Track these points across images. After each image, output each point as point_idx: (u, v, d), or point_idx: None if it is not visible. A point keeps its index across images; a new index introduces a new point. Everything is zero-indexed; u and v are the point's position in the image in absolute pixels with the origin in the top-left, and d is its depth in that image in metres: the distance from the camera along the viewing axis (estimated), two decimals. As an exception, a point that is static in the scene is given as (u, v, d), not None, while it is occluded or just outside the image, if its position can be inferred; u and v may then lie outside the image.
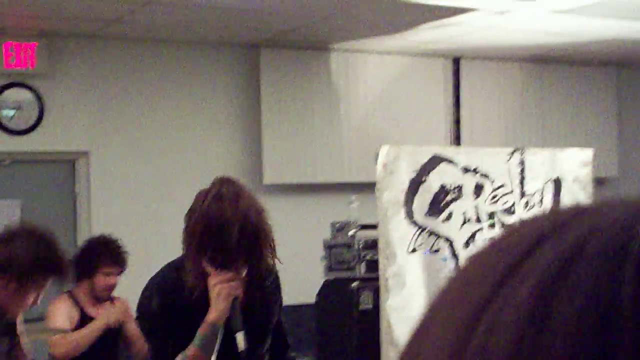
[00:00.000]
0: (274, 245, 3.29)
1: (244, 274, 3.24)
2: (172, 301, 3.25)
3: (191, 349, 3.18)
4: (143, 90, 8.09)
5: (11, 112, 7.70)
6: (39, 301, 3.62)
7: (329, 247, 7.05)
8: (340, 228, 6.98)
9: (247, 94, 8.43)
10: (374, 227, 6.09)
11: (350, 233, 6.82)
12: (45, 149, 7.80)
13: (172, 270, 3.35)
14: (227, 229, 3.07)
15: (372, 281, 6.30)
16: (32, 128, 7.75)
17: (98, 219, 7.67)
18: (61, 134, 7.82)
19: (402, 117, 8.85)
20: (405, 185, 5.60)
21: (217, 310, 3.16)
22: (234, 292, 3.17)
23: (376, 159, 5.65)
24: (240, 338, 3.13)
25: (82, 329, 5.18)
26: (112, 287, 5.35)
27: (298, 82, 8.47)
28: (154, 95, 8.12)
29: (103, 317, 5.18)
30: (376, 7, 7.19)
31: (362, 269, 6.72)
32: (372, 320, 5.98)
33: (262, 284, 3.43)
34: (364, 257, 6.72)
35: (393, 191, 5.58)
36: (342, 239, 6.92)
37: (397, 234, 5.57)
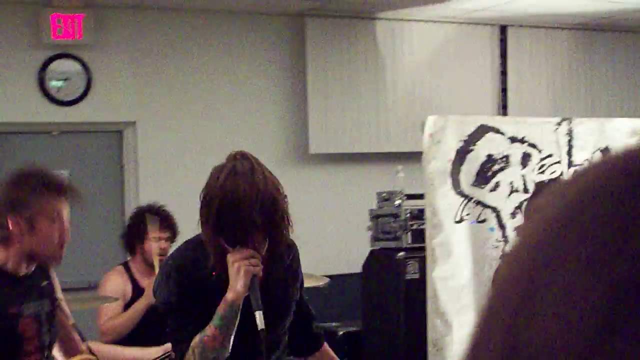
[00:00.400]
0: (290, 220, 3.20)
1: (263, 251, 3.15)
2: (191, 280, 3.18)
3: (210, 329, 3.09)
4: (189, 60, 8.11)
5: (59, 83, 7.75)
6: (67, 236, 3.56)
7: (375, 217, 7.05)
8: (386, 198, 6.98)
9: (293, 63, 8.42)
10: (420, 196, 6.09)
11: (397, 203, 6.82)
12: (92, 119, 7.85)
13: (190, 249, 3.29)
14: (243, 204, 3.00)
15: (418, 251, 6.31)
16: (79, 99, 7.80)
17: (145, 188, 7.73)
18: (108, 104, 7.87)
19: (448, 87, 8.80)
20: (452, 155, 5.59)
21: (236, 289, 3.06)
22: (253, 269, 3.06)
23: (422, 128, 5.63)
24: (259, 317, 3.01)
25: (125, 312, 5.19)
26: (164, 253, 5.36)
27: (344, 52, 8.45)
28: (199, 66, 8.14)
29: (147, 296, 5.17)
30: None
31: (408, 238, 6.72)
32: (418, 290, 5.99)
33: (281, 261, 3.38)
34: (410, 227, 6.72)
35: (440, 161, 5.57)
36: (388, 209, 6.92)
37: (444, 203, 5.56)
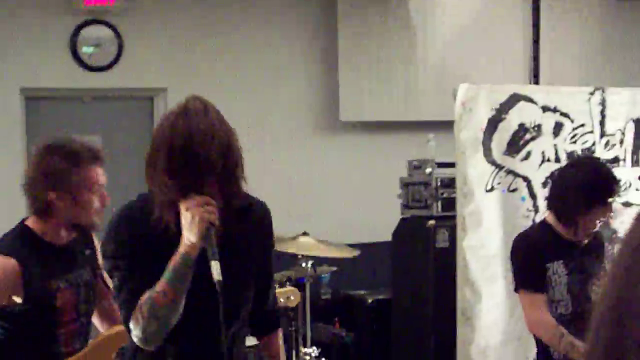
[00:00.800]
0: (244, 171, 2.95)
1: (219, 203, 2.84)
2: (140, 232, 2.86)
3: (160, 284, 2.78)
4: (220, 26, 8.10)
5: (90, 49, 7.77)
6: (107, 202, 3.58)
7: (405, 184, 7.04)
8: (417, 166, 6.97)
9: (325, 31, 8.39)
10: (451, 165, 6.07)
11: (427, 171, 6.80)
12: (124, 85, 7.87)
13: (141, 200, 2.96)
14: (198, 142, 2.75)
15: (449, 219, 6.30)
16: (111, 65, 7.82)
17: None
18: (140, 70, 7.89)
19: (480, 55, 8.74)
20: (483, 123, 5.56)
21: (189, 239, 2.76)
22: (207, 217, 2.75)
23: (454, 97, 5.61)
24: (215, 267, 2.72)
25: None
26: None
27: (375, 19, 8.41)
28: (231, 32, 8.13)
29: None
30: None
31: (438, 207, 6.71)
32: (448, 258, 5.99)
33: (243, 220, 3.02)
34: (440, 195, 6.71)
35: (471, 129, 5.55)
36: (419, 177, 6.91)
37: (475, 172, 5.55)
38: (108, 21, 7.78)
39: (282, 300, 4.73)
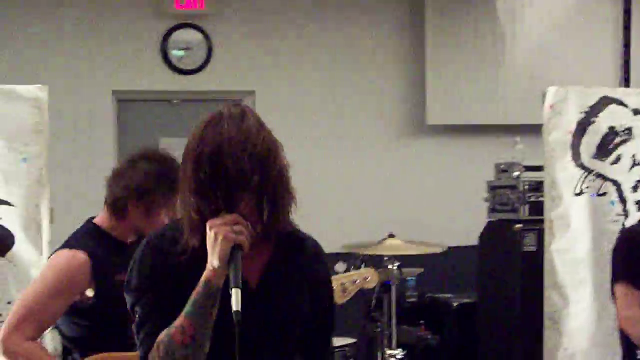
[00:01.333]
0: (293, 191, 2.48)
1: (256, 227, 2.42)
2: (166, 263, 2.44)
3: (180, 319, 2.34)
4: (308, 30, 8.15)
5: (181, 53, 7.90)
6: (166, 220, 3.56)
7: (492, 188, 7.01)
8: (504, 169, 6.93)
9: (412, 34, 8.39)
10: (539, 168, 6.02)
11: (515, 174, 6.76)
12: (213, 88, 7.97)
13: (173, 227, 2.53)
14: (227, 150, 2.32)
15: (536, 223, 6.25)
16: (200, 68, 7.94)
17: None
18: (228, 73, 7.98)
19: (568, 58, 8.64)
20: (573, 126, 5.51)
21: (212, 263, 2.32)
22: (233, 237, 2.30)
23: (543, 100, 5.56)
24: (235, 296, 2.24)
25: None
26: None
27: (463, 23, 8.37)
28: (318, 35, 8.18)
29: None
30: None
31: (526, 210, 6.66)
32: (535, 262, 5.94)
33: (288, 249, 2.58)
34: (528, 199, 6.66)
35: (560, 132, 5.50)
36: (506, 181, 6.86)
37: (564, 176, 5.50)
38: (198, 25, 7.89)
39: (359, 281, 4.73)
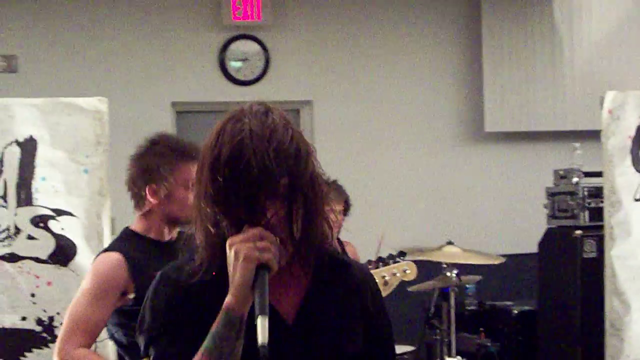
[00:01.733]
0: (332, 209, 2.07)
1: (287, 245, 2.00)
2: (182, 295, 2.05)
3: (197, 356, 1.95)
4: (364, 40, 8.18)
5: (238, 64, 7.97)
6: None
7: (552, 194, 6.98)
8: (563, 175, 6.90)
9: (469, 41, 8.38)
10: (598, 174, 5.98)
11: (574, 180, 6.72)
12: (270, 98, 7.91)
13: (191, 256, 2.11)
14: (249, 148, 1.91)
15: (596, 229, 6.21)
16: (258, 78, 8.00)
17: (321, 165, 7.83)
18: (286, 83, 8.03)
19: (628, 63, 8.56)
20: (632, 131, 5.46)
21: (233, 288, 1.91)
22: (257, 255, 1.89)
23: (601, 104, 5.52)
24: (260, 325, 1.83)
25: None
26: (338, 226, 5.42)
27: (520, 28, 8.34)
28: (375, 45, 8.20)
29: None
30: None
31: (585, 216, 6.62)
32: (595, 269, 5.90)
33: (329, 273, 2.13)
34: (587, 204, 6.62)
35: (619, 137, 5.45)
36: (565, 187, 6.83)
37: (623, 181, 5.45)
38: (255, 36, 7.96)
39: (398, 274, 4.73)
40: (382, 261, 4.81)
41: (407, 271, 4.83)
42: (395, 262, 4.83)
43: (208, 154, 1.95)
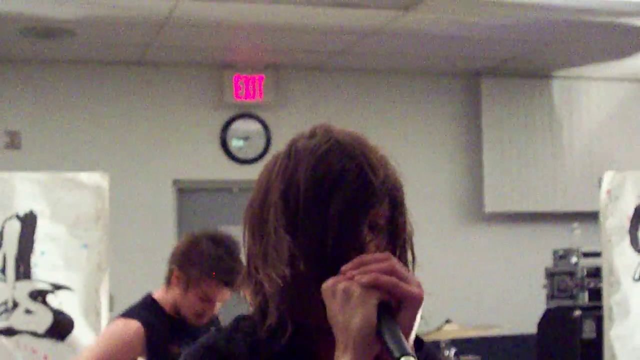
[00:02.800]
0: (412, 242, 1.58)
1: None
2: None
3: None
4: (365, 119, 8.23)
5: (240, 142, 8.02)
6: (207, 318, 3.51)
7: (550, 274, 6.97)
8: (562, 256, 6.90)
9: (469, 121, 8.44)
10: (597, 254, 5.99)
11: (573, 261, 6.72)
12: (271, 177, 8.04)
13: (237, 324, 1.50)
14: (343, 150, 1.50)
15: (596, 310, 6.20)
16: (259, 157, 8.03)
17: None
18: (287, 162, 8.06)
19: (626, 145, 8.62)
20: (630, 211, 5.49)
21: (351, 340, 1.31)
22: (394, 281, 1.41)
23: (600, 185, 5.56)
24: None
25: None
26: None
27: (520, 110, 8.42)
28: (375, 124, 8.25)
29: None
30: (598, 33, 7.07)
31: (584, 297, 6.61)
32: (595, 349, 5.87)
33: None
34: (587, 285, 6.61)
35: (617, 217, 5.48)
36: (564, 267, 6.83)
37: (622, 261, 5.46)
38: (257, 115, 8.03)
39: None
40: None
41: None
42: None
43: (276, 172, 1.52)
